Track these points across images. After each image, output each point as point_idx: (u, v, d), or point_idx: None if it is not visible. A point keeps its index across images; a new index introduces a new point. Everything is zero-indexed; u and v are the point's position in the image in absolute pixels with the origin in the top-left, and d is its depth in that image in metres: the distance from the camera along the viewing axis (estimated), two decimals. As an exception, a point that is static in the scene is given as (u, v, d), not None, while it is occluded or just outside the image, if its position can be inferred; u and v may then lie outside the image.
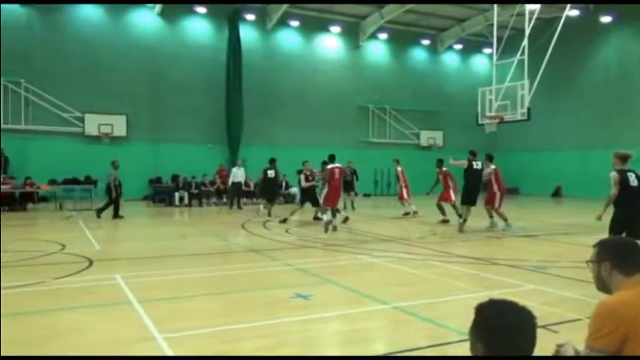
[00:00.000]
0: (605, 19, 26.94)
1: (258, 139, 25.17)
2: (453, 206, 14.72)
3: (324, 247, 10.61)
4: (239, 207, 19.77)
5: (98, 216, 15.61)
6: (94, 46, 23.55)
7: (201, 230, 13.80)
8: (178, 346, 4.60)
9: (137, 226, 15.09)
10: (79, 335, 4.88)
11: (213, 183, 22.92)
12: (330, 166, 13.70)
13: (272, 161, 17.14)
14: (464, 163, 13.30)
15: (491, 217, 13.61)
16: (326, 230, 12.36)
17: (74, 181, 21.61)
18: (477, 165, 13.33)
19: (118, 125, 23.56)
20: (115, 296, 6.38)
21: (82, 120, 23.07)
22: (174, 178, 22.62)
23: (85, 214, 17.06)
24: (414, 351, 4.53)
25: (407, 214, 16.74)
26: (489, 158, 13.92)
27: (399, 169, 17.33)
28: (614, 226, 7.23)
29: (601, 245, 2.73)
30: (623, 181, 7.28)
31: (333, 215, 13.04)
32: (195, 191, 21.82)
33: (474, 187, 13.03)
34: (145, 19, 25.01)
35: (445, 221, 14.71)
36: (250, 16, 26.59)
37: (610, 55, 27.52)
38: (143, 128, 24.27)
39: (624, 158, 7.54)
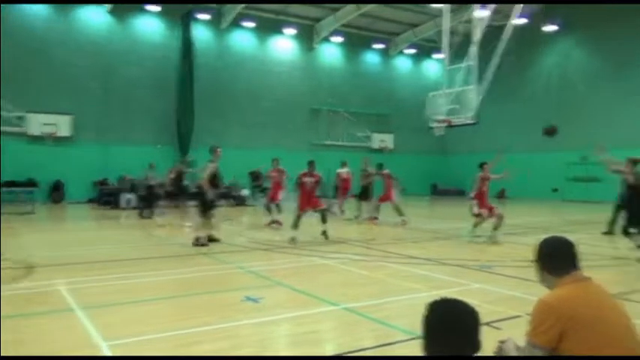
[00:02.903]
0: (550, 27, 28.13)
1: (209, 140, 24.64)
2: (396, 207, 15.35)
3: (275, 249, 10.55)
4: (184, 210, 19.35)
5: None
6: (40, 44, 22.68)
7: (149, 233, 13.45)
8: (126, 353, 4.45)
9: (80, 230, 14.55)
10: (18, 347, 4.63)
11: (162, 185, 22.37)
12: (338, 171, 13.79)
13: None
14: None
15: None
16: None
17: (15, 184, 20.65)
18: None
19: (63, 125, 22.72)
20: (57, 304, 6.11)
21: (23, 119, 22.10)
22: (121, 179, 22.00)
23: (25, 217, 16.32)
24: (362, 351, 4.56)
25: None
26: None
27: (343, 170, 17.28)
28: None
29: (536, 247, 2.84)
30: None
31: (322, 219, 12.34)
32: (144, 193, 21.23)
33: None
34: (95, 17, 24.27)
35: (374, 218, 15.65)
36: (204, 16, 26.24)
37: (553, 61, 28.80)
38: (90, 128, 23.50)
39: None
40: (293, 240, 11.13)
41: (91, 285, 7.14)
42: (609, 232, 12.56)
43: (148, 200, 16.71)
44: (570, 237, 2.90)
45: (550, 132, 8.78)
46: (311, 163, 12.13)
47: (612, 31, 25.21)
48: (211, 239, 11.01)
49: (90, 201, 22.91)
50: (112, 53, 24.17)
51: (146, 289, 6.99)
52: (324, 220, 11.71)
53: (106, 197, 21.58)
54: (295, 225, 11.43)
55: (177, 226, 14.24)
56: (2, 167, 20.41)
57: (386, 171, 15.92)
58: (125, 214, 18.47)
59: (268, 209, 14.68)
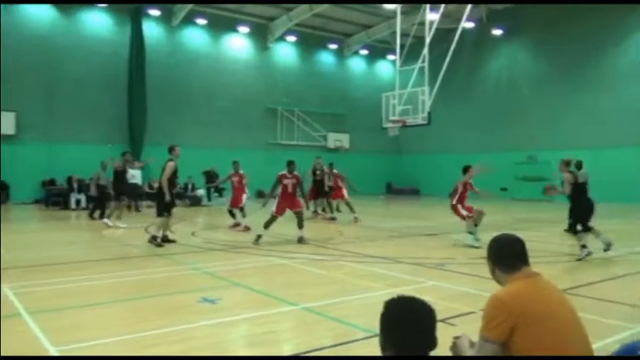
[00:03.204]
0: (497, 31, 29.09)
1: (162, 139, 24.16)
2: (347, 204, 16.16)
3: (232, 249, 10.47)
4: (137, 209, 18.92)
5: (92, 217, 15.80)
6: (-23, 36, 21.57)
7: (99, 235, 13.06)
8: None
9: (27, 231, 13.97)
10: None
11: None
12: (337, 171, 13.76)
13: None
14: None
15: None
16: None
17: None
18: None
19: (6, 123, 21.72)
20: (4, 308, 5.86)
21: (-38, 116, 21.03)
22: (69, 179, 21.27)
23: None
24: (320, 350, 4.59)
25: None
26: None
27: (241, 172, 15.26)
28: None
29: (488, 245, 2.95)
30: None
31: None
32: (95, 194, 20.61)
33: None
34: (38, 9, 23.29)
35: (333, 219, 16.11)
36: (154, 12, 25.69)
37: (500, 65, 29.76)
38: (35, 126, 22.58)
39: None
40: (259, 239, 10.87)
41: (41, 289, 6.89)
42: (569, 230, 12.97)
43: (99, 200, 16.10)
44: (521, 234, 3.03)
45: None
46: (290, 164, 11.54)
47: (556, 35, 26.28)
48: (166, 240, 10.82)
49: (37, 202, 22.04)
50: (57, 48, 23.28)
51: (99, 292, 6.79)
52: (300, 226, 11.24)
53: (54, 198, 20.83)
54: (267, 225, 11.12)
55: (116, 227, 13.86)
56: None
57: (335, 170, 16.87)
58: (74, 215, 17.87)
59: (232, 214, 14.16)
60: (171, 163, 10.68)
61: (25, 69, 22.49)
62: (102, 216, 15.18)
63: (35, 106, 22.69)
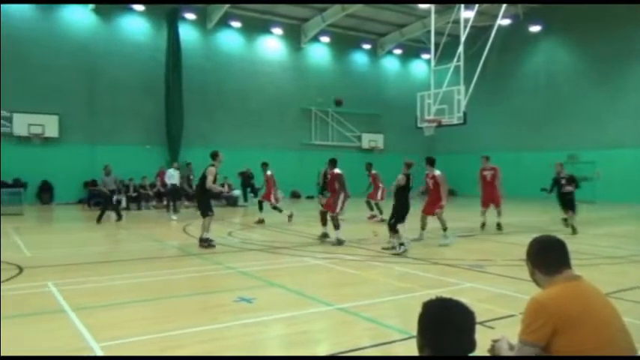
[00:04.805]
0: (534, 28, 28.40)
1: (198, 141, 24.70)
2: (376, 205, 16.23)
3: (267, 249, 10.56)
4: (175, 210, 19.26)
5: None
6: (24, 43, 22.41)
7: (139, 234, 13.38)
8: (117, 354, 4.44)
9: (70, 231, 14.43)
10: (12, 347, 4.60)
11: (153, 186, 22.31)
12: (337, 171, 12.31)
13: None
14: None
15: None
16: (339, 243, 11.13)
17: (1, 184, 20.43)
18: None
19: (50, 126, 22.52)
20: (48, 305, 6.08)
21: (10, 120, 21.86)
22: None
23: (13, 218, 16.16)
24: (358, 351, 4.58)
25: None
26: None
27: (269, 173, 16.08)
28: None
29: (527, 247, 2.88)
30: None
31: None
32: (134, 194, 21.17)
33: None
34: (79, 16, 24.04)
35: (373, 216, 16.23)
36: (190, 16, 26.13)
37: (539, 62, 29.03)
38: (77, 129, 23.31)
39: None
40: (325, 237, 11.60)
41: (82, 286, 7.10)
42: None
43: (104, 204, 16.39)
44: (559, 236, 2.96)
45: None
46: (332, 162, 11.80)
47: (597, 31, 25.47)
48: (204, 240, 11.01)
49: (80, 202, 22.73)
50: (97, 54, 23.96)
51: (136, 290, 6.95)
52: (336, 227, 11.13)
53: (95, 198, 21.42)
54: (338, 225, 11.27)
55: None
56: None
57: (374, 171, 16.56)
58: (114, 215, 18.36)
59: (278, 209, 15.78)
60: (212, 169, 10.95)
61: (67, 74, 23.22)
62: (118, 216, 16.19)
63: (77, 109, 23.43)
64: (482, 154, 14.86)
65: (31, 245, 10.82)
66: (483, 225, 13.60)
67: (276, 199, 15.99)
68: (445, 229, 11.33)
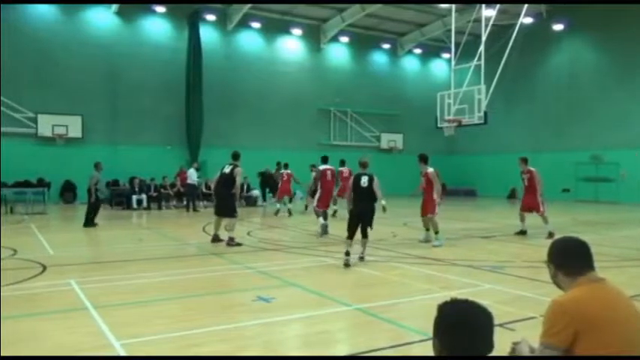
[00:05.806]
0: (557, 27, 27.96)
1: (218, 141, 24.91)
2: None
3: (286, 249, 10.59)
4: (194, 209, 19.44)
5: (86, 225, 14.40)
6: (48, 45, 22.87)
7: (159, 234, 13.54)
8: (136, 352, 4.49)
9: (92, 230, 14.65)
10: (35, 344, 4.70)
11: (173, 185, 22.55)
12: (321, 168, 13.48)
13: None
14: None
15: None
16: (322, 234, 11.96)
17: (26, 184, 20.85)
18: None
19: (73, 126, 22.92)
20: (71, 302, 6.19)
21: (34, 121, 22.32)
22: (132, 180, 22.14)
23: (37, 217, 16.46)
24: (376, 352, 4.57)
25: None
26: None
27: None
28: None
29: (549, 248, 2.83)
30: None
31: (325, 218, 12.56)
32: (155, 194, 21.41)
33: None
34: (101, 18, 24.45)
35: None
36: (210, 17, 26.35)
37: (562, 61, 28.56)
38: (99, 129, 23.70)
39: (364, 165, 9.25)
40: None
41: (104, 284, 7.20)
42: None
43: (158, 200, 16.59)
44: (582, 237, 2.90)
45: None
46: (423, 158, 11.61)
47: (621, 30, 24.99)
48: (217, 239, 11.10)
49: (102, 201, 23.04)
50: (119, 55, 24.31)
51: (156, 289, 7.03)
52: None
53: (117, 198, 21.74)
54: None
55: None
56: (15, 168, 20.64)
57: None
58: (136, 215, 18.58)
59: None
60: (240, 169, 11.16)
61: (89, 75, 23.63)
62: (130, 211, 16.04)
63: (100, 110, 23.82)
64: (502, 154, 14.66)
65: (54, 244, 11.01)
66: (520, 232, 12.69)
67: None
68: (437, 232, 11.05)
